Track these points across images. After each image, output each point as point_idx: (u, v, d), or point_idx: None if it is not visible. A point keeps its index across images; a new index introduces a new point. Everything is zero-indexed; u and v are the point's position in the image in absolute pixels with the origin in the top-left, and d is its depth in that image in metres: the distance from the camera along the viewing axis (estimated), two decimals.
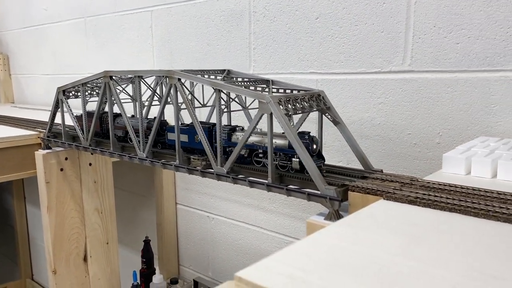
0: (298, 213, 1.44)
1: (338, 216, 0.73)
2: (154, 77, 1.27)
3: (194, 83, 1.14)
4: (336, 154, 1.28)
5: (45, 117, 1.59)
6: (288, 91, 1.01)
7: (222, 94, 0.93)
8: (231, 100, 1.11)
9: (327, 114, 0.91)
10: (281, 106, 0.80)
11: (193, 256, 1.87)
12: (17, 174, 1.52)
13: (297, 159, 0.82)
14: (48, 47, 2.49)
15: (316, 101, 0.89)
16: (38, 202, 1.50)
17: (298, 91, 0.97)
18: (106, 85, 1.17)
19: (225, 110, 1.12)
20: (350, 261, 0.46)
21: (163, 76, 1.15)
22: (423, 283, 0.41)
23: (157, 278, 1.73)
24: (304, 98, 0.86)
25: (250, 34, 1.47)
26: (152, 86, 1.26)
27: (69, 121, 1.34)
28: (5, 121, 1.85)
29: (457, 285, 0.40)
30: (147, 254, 1.81)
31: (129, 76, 1.27)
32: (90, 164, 1.57)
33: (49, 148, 1.47)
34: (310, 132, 0.87)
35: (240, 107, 1.13)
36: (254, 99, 0.87)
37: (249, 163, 0.93)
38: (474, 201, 0.62)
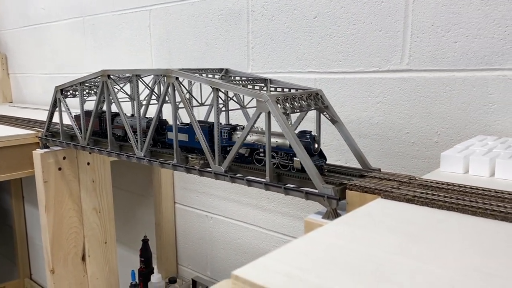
0: (297, 212, 1.44)
1: (336, 215, 0.73)
2: (152, 76, 1.26)
3: (192, 82, 1.14)
4: (334, 153, 1.28)
5: (43, 116, 1.59)
6: (286, 90, 1.01)
7: (220, 93, 0.93)
8: (229, 99, 1.11)
9: (325, 113, 0.91)
10: (279, 105, 0.80)
11: (191, 256, 1.87)
12: (15, 174, 1.52)
13: (299, 159, 0.82)
14: (46, 46, 2.48)
15: (314, 100, 0.89)
16: (37, 202, 1.49)
17: (296, 90, 0.97)
18: (104, 84, 1.17)
19: (223, 109, 1.12)
20: (347, 259, 0.46)
21: (161, 75, 1.15)
22: (421, 281, 0.41)
23: (155, 278, 1.73)
24: (302, 96, 0.86)
25: (248, 33, 1.47)
26: (150, 85, 1.26)
27: (67, 120, 1.34)
28: (3, 121, 1.84)
29: (454, 283, 0.40)
30: (145, 253, 1.81)
31: (127, 75, 1.27)
32: (88, 164, 1.56)
33: (47, 147, 1.47)
34: (311, 131, 0.87)
35: (238, 106, 1.13)
36: (252, 98, 0.87)
37: (250, 163, 0.93)
38: (471, 200, 0.62)
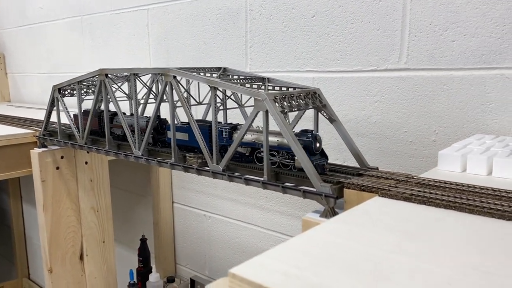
0: (295, 211, 1.44)
1: (334, 213, 0.73)
2: (150, 75, 1.26)
3: (190, 81, 1.14)
4: (333, 152, 1.28)
5: (41, 115, 1.58)
6: (284, 88, 1.01)
7: (218, 91, 0.93)
8: (227, 97, 1.11)
9: (323, 111, 0.91)
10: (276, 104, 0.80)
11: (189, 255, 1.87)
12: (13, 173, 1.52)
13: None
14: (44, 45, 2.48)
15: (312, 99, 0.89)
16: (35, 201, 1.49)
17: (294, 88, 0.97)
18: (102, 83, 1.17)
19: (221, 108, 1.12)
20: (345, 257, 0.46)
21: (158, 74, 1.15)
22: (418, 279, 0.41)
23: (153, 277, 1.72)
24: (300, 95, 0.86)
25: (247, 32, 1.47)
26: (148, 84, 1.26)
27: (65, 120, 1.34)
28: (1, 120, 1.84)
29: (451, 281, 0.40)
30: (143, 252, 1.81)
31: (125, 74, 1.27)
32: (86, 163, 1.56)
33: (45, 146, 1.47)
34: (313, 130, 0.86)
35: (236, 105, 1.12)
36: (250, 97, 0.87)
37: (251, 162, 0.92)
38: (469, 198, 0.62)
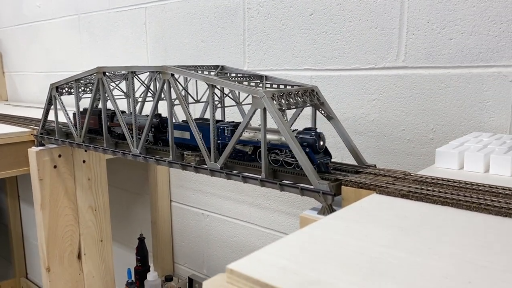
0: (293, 210, 1.44)
1: (331, 211, 0.73)
2: (147, 73, 1.26)
3: (188, 79, 1.14)
4: (331, 150, 1.27)
5: (38, 114, 1.58)
6: (282, 86, 1.01)
7: (215, 89, 0.93)
8: (224, 95, 1.11)
9: (320, 109, 0.91)
10: (274, 101, 0.80)
11: (188, 254, 1.87)
12: (10, 172, 1.51)
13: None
14: (41, 44, 2.47)
15: (310, 96, 0.89)
16: (32, 201, 1.49)
17: (292, 86, 0.97)
18: (99, 81, 1.17)
19: (219, 105, 1.12)
20: (342, 253, 0.46)
21: (156, 72, 1.14)
22: (415, 274, 0.41)
23: (151, 276, 1.72)
24: (297, 93, 0.86)
25: (245, 30, 1.47)
26: (146, 82, 1.26)
27: (62, 118, 1.33)
28: None
29: (448, 275, 0.40)
30: (141, 251, 1.81)
31: (123, 72, 1.27)
32: (84, 161, 1.56)
33: (43, 145, 1.46)
34: (316, 128, 0.86)
35: (234, 103, 1.12)
36: (248, 95, 0.87)
37: (254, 160, 0.92)
38: (466, 195, 0.62)
